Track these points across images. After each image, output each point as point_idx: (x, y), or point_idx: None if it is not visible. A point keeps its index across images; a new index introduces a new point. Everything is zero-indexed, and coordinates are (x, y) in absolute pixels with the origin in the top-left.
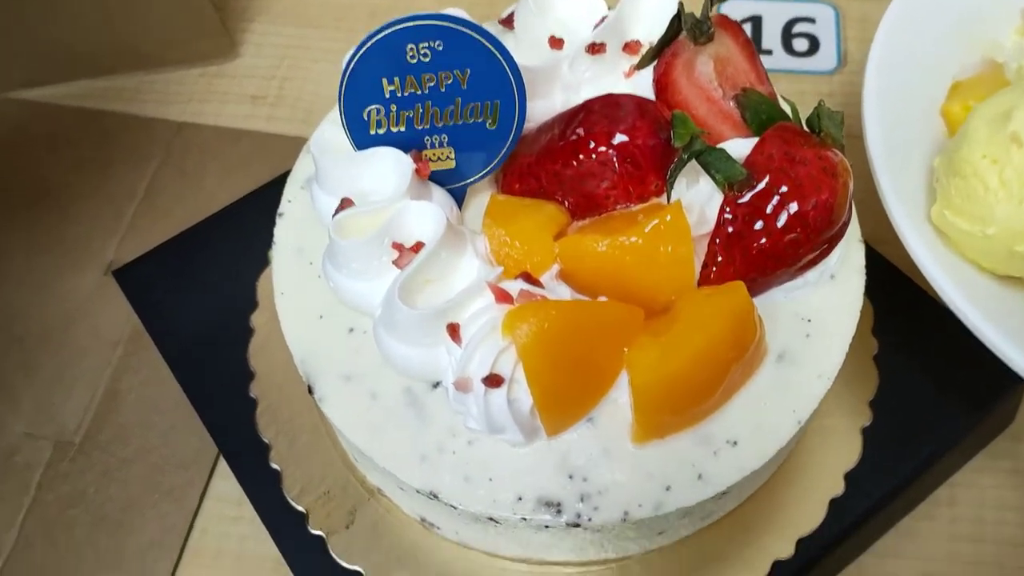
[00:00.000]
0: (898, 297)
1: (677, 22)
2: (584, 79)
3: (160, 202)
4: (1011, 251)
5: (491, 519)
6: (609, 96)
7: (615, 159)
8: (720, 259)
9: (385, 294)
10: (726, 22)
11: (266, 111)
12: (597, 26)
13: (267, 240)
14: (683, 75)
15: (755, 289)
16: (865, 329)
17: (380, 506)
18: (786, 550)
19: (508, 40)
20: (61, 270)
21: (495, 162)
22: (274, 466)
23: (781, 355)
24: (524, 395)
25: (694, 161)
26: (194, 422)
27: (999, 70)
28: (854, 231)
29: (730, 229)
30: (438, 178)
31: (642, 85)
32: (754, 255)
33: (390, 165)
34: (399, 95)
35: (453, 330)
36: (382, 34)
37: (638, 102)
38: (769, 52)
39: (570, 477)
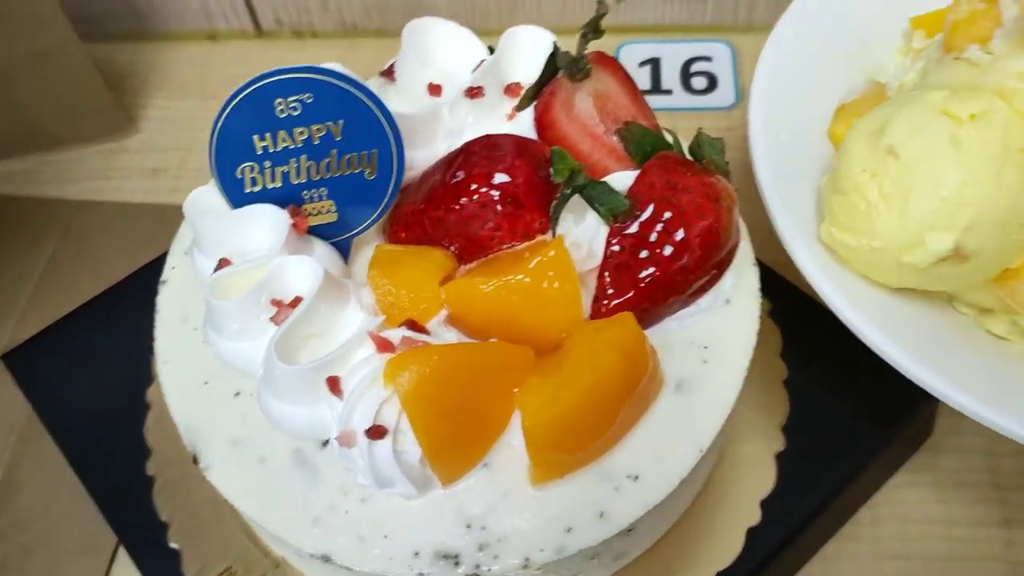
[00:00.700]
0: (804, 320)
1: (553, 61)
2: (466, 124)
3: (58, 283)
4: (898, 263)
5: None
6: (488, 137)
7: (496, 199)
8: (610, 291)
9: (264, 352)
10: (603, 59)
11: (168, 183)
12: (475, 70)
13: None
14: (563, 112)
15: (648, 320)
16: (773, 354)
17: None
18: None
19: (390, 91)
20: None
21: (378, 212)
22: (173, 545)
23: (679, 384)
24: (411, 446)
25: (580, 197)
26: (93, 507)
27: (882, 90)
28: (747, 255)
29: (618, 261)
30: (321, 232)
31: (524, 127)
32: (644, 285)
33: (266, 222)
34: (271, 151)
35: (333, 383)
36: (248, 90)
37: (517, 141)
38: (669, 92)
39: (468, 527)
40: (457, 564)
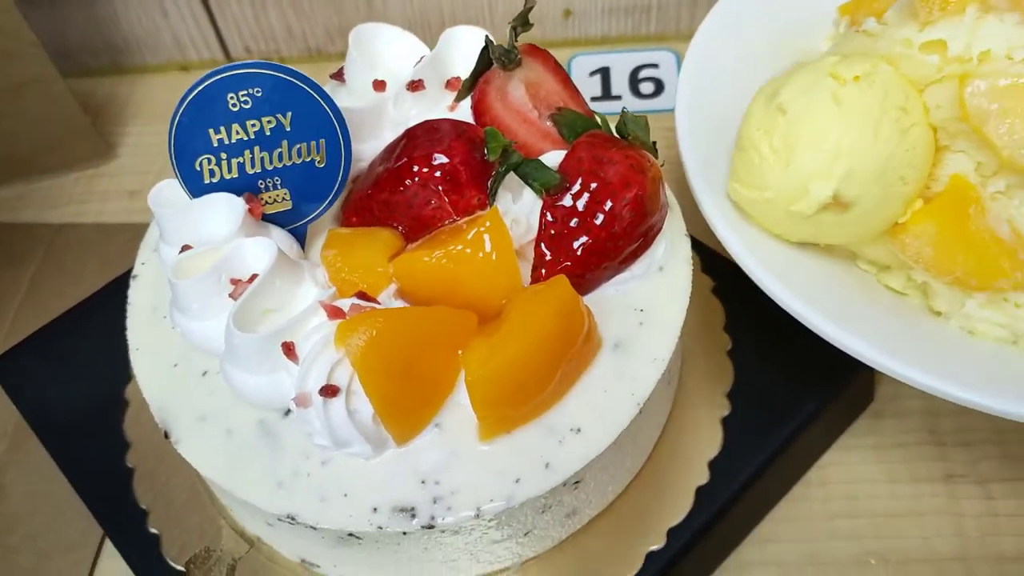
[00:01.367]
0: (744, 296)
1: (486, 53)
2: (411, 116)
3: (42, 300)
4: (788, 212)
5: (351, 535)
6: (428, 122)
7: (437, 179)
8: (548, 259)
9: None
10: (534, 50)
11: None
12: (416, 66)
13: None
14: (497, 100)
15: (585, 286)
16: (718, 327)
17: (261, 554)
18: (658, 541)
19: (341, 91)
20: None
21: (329, 199)
22: (153, 531)
23: (617, 344)
24: (364, 405)
25: (516, 175)
26: (80, 504)
27: None
28: (679, 227)
29: (552, 231)
30: (278, 220)
31: (465, 116)
32: (578, 253)
33: (223, 209)
34: (227, 143)
35: (288, 349)
36: (202, 86)
37: (454, 125)
38: (619, 97)
39: (423, 482)
40: (413, 516)
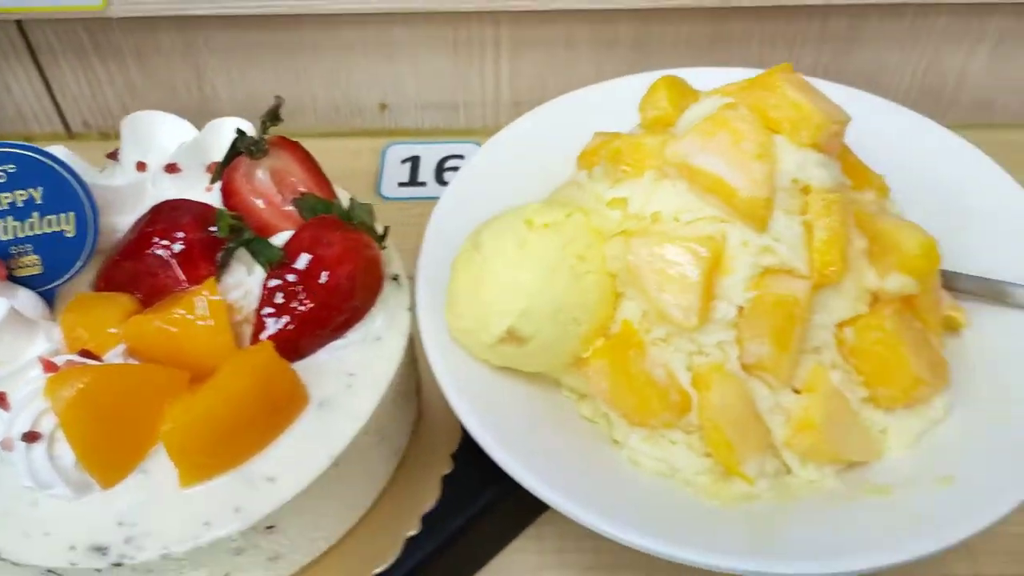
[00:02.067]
0: None
1: (236, 143)
2: (169, 195)
3: None
4: (479, 341)
5: (50, 571)
6: (171, 201)
7: (173, 252)
8: (267, 326)
9: None
10: (284, 142)
11: None
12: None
13: None
14: (244, 184)
15: (300, 351)
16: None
17: None
18: None
19: (116, 169)
20: None
21: (77, 265)
22: None
23: (322, 402)
24: (66, 451)
25: (248, 251)
26: None
27: None
28: (402, 300)
29: (273, 300)
30: (30, 283)
31: (219, 198)
32: (291, 321)
33: None
34: None
35: (2, 398)
36: None
37: (193, 205)
38: (424, 184)
39: (120, 523)
40: (105, 554)
